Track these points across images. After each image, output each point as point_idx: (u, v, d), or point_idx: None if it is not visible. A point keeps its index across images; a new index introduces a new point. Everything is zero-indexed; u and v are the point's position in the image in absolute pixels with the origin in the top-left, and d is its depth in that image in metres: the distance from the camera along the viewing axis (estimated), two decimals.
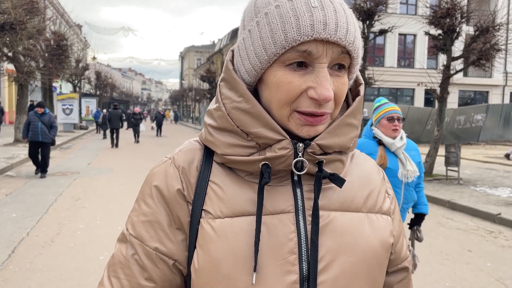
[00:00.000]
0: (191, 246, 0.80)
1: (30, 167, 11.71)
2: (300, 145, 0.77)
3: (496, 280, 4.42)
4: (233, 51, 0.84)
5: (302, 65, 0.74)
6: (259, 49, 0.74)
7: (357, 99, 0.83)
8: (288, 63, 0.74)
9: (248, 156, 0.79)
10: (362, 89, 0.85)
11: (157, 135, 26.74)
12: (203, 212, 0.79)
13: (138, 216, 0.83)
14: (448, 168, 9.96)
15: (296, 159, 0.77)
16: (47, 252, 4.92)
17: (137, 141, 21.11)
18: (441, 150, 10.77)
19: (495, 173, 11.64)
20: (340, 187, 0.79)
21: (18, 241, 5.28)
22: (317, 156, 0.78)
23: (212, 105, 0.85)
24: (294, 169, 0.78)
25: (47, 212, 6.77)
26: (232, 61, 0.83)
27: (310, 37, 0.70)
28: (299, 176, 0.81)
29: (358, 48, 0.76)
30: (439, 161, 10.94)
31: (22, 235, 5.53)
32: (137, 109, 22.71)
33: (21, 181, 9.47)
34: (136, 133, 21.16)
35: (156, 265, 0.80)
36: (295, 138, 0.79)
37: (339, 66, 0.76)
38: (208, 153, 0.84)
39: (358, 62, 0.79)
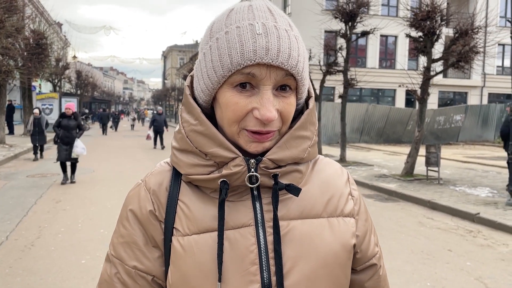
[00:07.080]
0: (167, 262, 0.87)
1: (9, 168, 11.48)
2: (252, 161, 0.83)
3: (476, 279, 4.52)
4: (192, 76, 0.91)
5: (249, 86, 0.80)
6: (211, 71, 0.81)
7: (306, 112, 0.89)
8: (235, 85, 0.80)
9: (208, 174, 0.85)
10: (311, 102, 0.90)
11: (155, 146, 18.77)
12: (174, 230, 0.86)
13: (117, 238, 0.92)
14: (429, 168, 10.13)
15: (249, 174, 0.83)
16: (27, 256, 4.84)
17: (69, 180, 9.60)
18: (422, 151, 10.93)
19: (474, 173, 11.88)
20: (297, 196, 0.84)
21: None
22: (270, 170, 0.84)
23: (177, 128, 0.92)
24: (248, 183, 0.84)
25: (27, 215, 6.65)
26: (190, 86, 0.90)
27: (253, 61, 0.77)
28: (258, 190, 0.86)
29: (301, 71, 0.81)
30: (420, 161, 11.11)
31: (1, 238, 5.42)
32: (71, 105, 9.76)
33: None
34: (65, 159, 9.36)
35: (136, 281, 0.88)
36: (249, 155, 0.84)
37: (286, 87, 0.82)
38: (177, 174, 0.91)
39: (305, 83, 0.85)
